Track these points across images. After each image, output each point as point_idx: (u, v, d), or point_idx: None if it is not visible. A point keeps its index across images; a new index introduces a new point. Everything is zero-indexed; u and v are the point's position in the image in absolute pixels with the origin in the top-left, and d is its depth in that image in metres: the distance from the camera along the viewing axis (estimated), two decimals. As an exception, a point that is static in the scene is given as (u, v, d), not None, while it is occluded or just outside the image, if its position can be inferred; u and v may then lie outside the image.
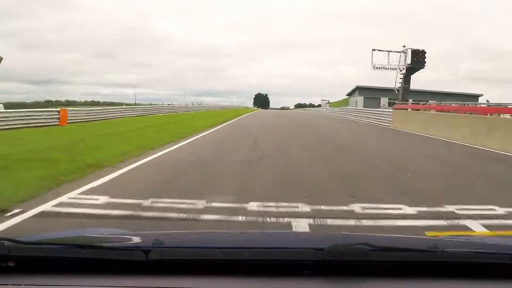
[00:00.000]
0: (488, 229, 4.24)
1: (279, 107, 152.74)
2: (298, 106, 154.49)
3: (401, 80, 35.84)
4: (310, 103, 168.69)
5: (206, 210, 4.66)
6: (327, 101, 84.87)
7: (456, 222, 4.50)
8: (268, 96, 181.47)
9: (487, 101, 25.45)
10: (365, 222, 4.47)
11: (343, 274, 1.30)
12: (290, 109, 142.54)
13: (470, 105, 23.98)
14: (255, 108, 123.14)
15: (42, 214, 4.64)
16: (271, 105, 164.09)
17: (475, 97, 47.92)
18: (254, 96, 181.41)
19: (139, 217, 4.07)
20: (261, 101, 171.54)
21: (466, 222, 4.50)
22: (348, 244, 1.33)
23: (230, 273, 1.30)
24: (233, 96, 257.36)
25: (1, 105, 25.17)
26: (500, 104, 17.99)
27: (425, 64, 35.61)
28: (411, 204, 5.23)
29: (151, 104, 48.34)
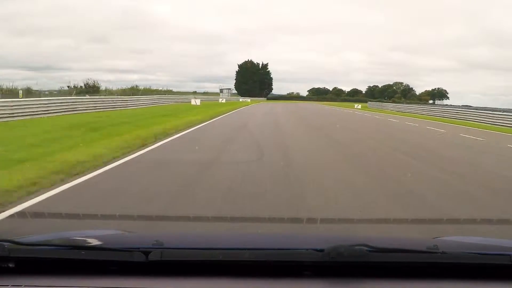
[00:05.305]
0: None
1: (286, 93, 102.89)
2: (315, 93, 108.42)
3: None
4: (334, 88, 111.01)
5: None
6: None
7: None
8: (268, 67, 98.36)
9: None
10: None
11: (343, 275, 1.30)
12: (302, 96, 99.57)
13: None
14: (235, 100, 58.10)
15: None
16: (274, 91, 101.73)
17: None
18: (236, 70, 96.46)
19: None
20: (252, 79, 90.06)
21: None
22: (349, 245, 1.32)
23: (230, 274, 1.30)
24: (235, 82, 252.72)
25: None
26: None
27: None
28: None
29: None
